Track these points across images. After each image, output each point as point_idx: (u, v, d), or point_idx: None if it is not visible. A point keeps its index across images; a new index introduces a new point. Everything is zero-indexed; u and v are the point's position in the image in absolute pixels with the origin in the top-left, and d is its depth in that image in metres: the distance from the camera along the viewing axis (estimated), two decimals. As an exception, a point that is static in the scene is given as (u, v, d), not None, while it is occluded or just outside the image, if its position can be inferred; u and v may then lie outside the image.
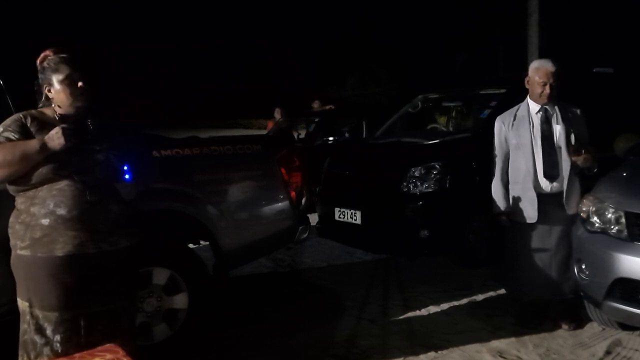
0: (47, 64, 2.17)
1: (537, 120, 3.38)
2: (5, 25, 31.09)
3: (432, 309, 3.86)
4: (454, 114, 6.45)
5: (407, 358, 3.12)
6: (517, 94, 3.78)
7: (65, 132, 2.02)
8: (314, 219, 4.66)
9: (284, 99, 16.09)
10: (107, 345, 1.69)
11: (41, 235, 2.06)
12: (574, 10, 23.94)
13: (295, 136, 8.04)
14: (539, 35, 11.36)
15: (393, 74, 28.98)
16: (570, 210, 3.34)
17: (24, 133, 2.10)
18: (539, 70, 3.34)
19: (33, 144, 2.04)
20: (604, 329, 3.36)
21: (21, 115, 2.15)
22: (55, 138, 2.02)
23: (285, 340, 3.39)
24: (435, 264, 4.86)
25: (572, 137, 3.30)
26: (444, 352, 3.16)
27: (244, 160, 3.53)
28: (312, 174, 4.84)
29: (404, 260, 4.93)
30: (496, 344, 3.25)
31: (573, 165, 3.30)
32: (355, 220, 4.76)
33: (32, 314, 2.09)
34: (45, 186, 2.09)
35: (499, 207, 3.51)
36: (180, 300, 3.18)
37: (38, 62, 2.20)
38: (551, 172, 3.33)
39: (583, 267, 3.16)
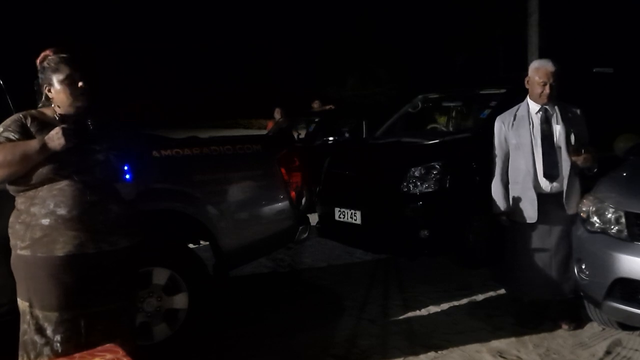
0: (47, 63, 2.17)
1: (537, 120, 3.38)
2: (5, 25, 31.09)
3: (432, 309, 3.86)
4: (454, 114, 6.45)
5: (407, 358, 3.12)
6: (517, 94, 3.77)
7: (65, 132, 2.02)
8: (314, 219, 4.66)
9: (284, 99, 16.09)
10: (107, 345, 1.69)
11: (41, 235, 2.06)
12: (574, 10, 23.94)
13: (295, 136, 8.04)
14: (539, 35, 11.36)
15: (393, 74, 28.98)
16: (570, 210, 3.34)
17: (24, 133, 2.10)
18: (539, 70, 3.34)
19: (33, 144, 2.04)
20: (604, 329, 3.36)
21: (21, 115, 2.15)
22: (55, 138, 2.03)
23: (285, 340, 3.39)
24: (435, 264, 4.86)
25: (572, 137, 3.30)
26: (444, 352, 3.16)
27: (244, 160, 3.53)
28: (312, 174, 4.84)
29: (404, 260, 4.93)
30: (496, 344, 3.25)
31: (573, 165, 3.30)
32: (355, 220, 4.76)
33: (32, 314, 2.09)
34: (46, 186, 2.09)
35: (499, 207, 3.51)
36: (180, 300, 3.18)
37: (38, 62, 2.20)
38: (551, 172, 3.33)
39: (583, 267, 3.16)
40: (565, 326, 3.40)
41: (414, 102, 6.25)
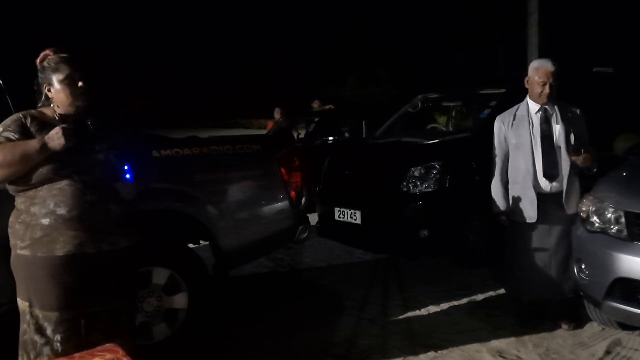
0: (48, 63, 2.18)
1: (536, 120, 3.38)
2: (5, 25, 31.09)
3: (432, 309, 3.86)
4: (454, 114, 6.45)
5: (407, 358, 3.12)
6: (517, 94, 3.77)
7: (65, 132, 2.02)
8: (314, 219, 4.66)
9: (284, 99, 16.09)
10: (107, 345, 1.69)
11: (42, 235, 2.06)
12: (574, 10, 23.93)
13: (295, 136, 8.04)
14: (539, 35, 11.36)
15: (393, 74, 28.98)
16: (570, 210, 3.34)
17: (24, 133, 2.10)
18: (538, 70, 3.34)
19: (33, 144, 2.04)
20: (604, 329, 3.36)
21: (21, 115, 2.15)
22: (55, 138, 2.03)
23: (285, 340, 3.40)
24: (435, 264, 4.86)
25: (572, 137, 3.30)
26: (444, 352, 3.16)
27: (244, 160, 3.53)
28: (312, 174, 4.84)
29: (404, 260, 4.93)
30: (496, 344, 3.25)
31: (573, 165, 3.30)
32: (355, 220, 4.76)
33: (32, 314, 2.09)
34: (46, 186, 2.09)
35: (499, 207, 3.51)
36: (180, 300, 3.18)
37: (38, 61, 2.20)
38: (551, 172, 3.33)
39: (583, 267, 3.16)
40: (565, 326, 3.40)
41: (414, 102, 6.25)
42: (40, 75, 2.20)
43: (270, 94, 28.12)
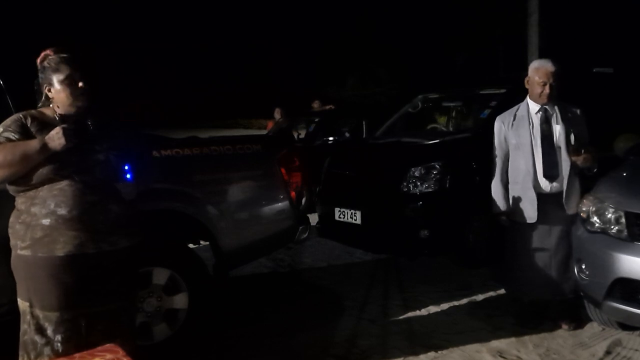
0: (48, 63, 2.18)
1: (536, 120, 3.38)
2: (5, 25, 31.09)
3: (432, 309, 3.86)
4: (454, 114, 6.45)
5: (407, 358, 3.12)
6: (517, 94, 3.77)
7: (65, 132, 2.02)
8: (314, 219, 4.66)
9: (284, 99, 16.09)
10: (107, 345, 1.69)
11: (42, 235, 2.06)
12: (574, 10, 23.93)
13: (295, 136, 8.04)
14: (539, 35, 11.36)
15: (393, 74, 28.98)
16: (570, 210, 3.34)
17: (24, 133, 2.10)
18: (538, 70, 3.34)
19: (33, 144, 2.04)
20: (604, 329, 3.36)
21: (21, 115, 2.15)
22: (55, 138, 2.03)
23: (285, 340, 3.40)
24: (435, 264, 4.86)
25: (572, 137, 3.29)
26: (444, 352, 3.16)
27: (244, 160, 3.53)
28: (312, 174, 4.84)
29: (404, 260, 4.93)
30: (496, 344, 3.25)
31: (573, 165, 3.30)
32: (355, 220, 4.76)
33: (32, 314, 2.09)
34: (46, 186, 2.09)
35: (498, 207, 3.51)
36: (180, 300, 3.18)
37: (38, 61, 2.20)
38: (551, 172, 3.33)
39: (583, 267, 3.16)
40: (565, 326, 3.40)
41: (414, 102, 6.25)
42: (40, 75, 2.20)
43: (270, 94, 28.13)
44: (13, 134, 2.09)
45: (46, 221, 2.06)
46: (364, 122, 8.49)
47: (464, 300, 3.99)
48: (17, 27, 33.36)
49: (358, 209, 4.73)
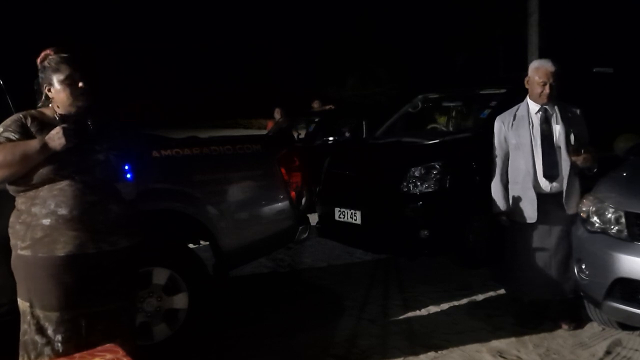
0: (48, 63, 2.18)
1: (536, 120, 3.38)
2: (5, 25, 31.09)
3: (432, 309, 3.86)
4: (454, 114, 6.45)
5: (407, 358, 3.12)
6: (517, 94, 3.77)
7: (65, 132, 2.02)
8: (314, 219, 4.66)
9: (284, 99, 16.10)
10: (107, 345, 1.69)
11: (42, 236, 2.06)
12: (574, 10, 23.93)
13: (295, 136, 8.04)
14: (539, 35, 11.36)
15: (393, 74, 28.97)
16: (570, 210, 3.34)
17: (24, 133, 2.10)
18: (538, 70, 3.34)
19: (34, 144, 2.04)
20: (604, 329, 3.36)
21: (21, 115, 2.15)
22: (56, 138, 2.03)
23: (285, 340, 3.40)
24: (435, 264, 4.86)
25: (572, 137, 3.29)
26: (444, 352, 3.16)
27: (244, 160, 3.53)
28: (312, 174, 4.84)
29: (404, 260, 4.93)
30: (496, 344, 3.25)
31: (573, 165, 3.30)
32: (355, 220, 4.76)
33: (32, 314, 2.09)
34: (46, 186, 2.09)
35: (498, 207, 3.51)
36: (180, 300, 3.18)
37: (39, 61, 2.20)
38: (551, 172, 3.33)
39: (583, 267, 3.16)
40: (565, 326, 3.40)
41: (414, 102, 6.25)
42: (40, 74, 2.20)
43: (270, 94, 28.14)
44: (13, 134, 2.09)
45: (46, 221, 2.06)
46: (364, 122, 8.49)
47: (464, 300, 3.99)
48: (17, 27, 33.36)
49: (358, 209, 4.73)
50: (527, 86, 3.43)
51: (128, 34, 44.33)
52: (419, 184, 4.51)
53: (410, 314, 3.77)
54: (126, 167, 2.38)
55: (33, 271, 2.08)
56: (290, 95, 24.18)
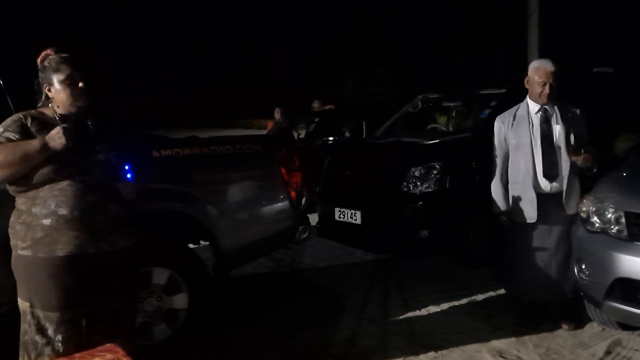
0: (48, 63, 2.17)
1: (536, 120, 3.38)
2: (5, 25, 31.09)
3: (432, 309, 3.86)
4: (454, 114, 6.45)
5: (407, 358, 3.12)
6: (517, 94, 3.78)
7: (66, 132, 2.02)
8: (314, 219, 4.66)
9: (284, 99, 16.10)
10: (107, 345, 1.69)
11: (43, 236, 2.06)
12: (574, 10, 23.94)
13: (295, 136, 8.04)
14: (539, 35, 11.36)
15: (393, 74, 28.97)
16: (570, 210, 3.34)
17: (24, 133, 2.10)
18: (538, 70, 3.34)
19: (34, 144, 2.04)
20: (604, 329, 3.36)
21: (21, 115, 2.15)
22: (56, 138, 2.03)
23: (285, 340, 3.40)
24: (435, 264, 4.86)
25: (572, 137, 3.29)
26: (444, 352, 3.16)
27: (244, 160, 3.54)
28: (312, 174, 4.84)
29: (404, 260, 4.93)
30: (496, 344, 3.25)
31: (573, 165, 3.30)
32: (355, 220, 4.76)
33: (33, 314, 2.09)
34: (46, 186, 2.09)
35: (498, 207, 3.51)
36: (180, 300, 3.18)
37: (39, 61, 2.20)
38: (551, 172, 3.33)
39: (583, 267, 3.16)
40: (565, 326, 3.40)
41: (414, 102, 6.25)
42: (40, 74, 2.20)
43: (270, 94, 28.13)
44: (13, 134, 2.09)
45: (47, 221, 2.06)
46: (364, 122, 8.49)
47: (464, 300, 3.99)
48: (17, 27, 33.36)
49: (358, 209, 4.73)
50: (527, 86, 3.43)
51: (128, 34, 44.35)
52: (419, 184, 4.51)
53: (410, 314, 3.77)
54: (126, 167, 2.38)
55: (33, 271, 2.08)
56: (290, 95, 24.19)
